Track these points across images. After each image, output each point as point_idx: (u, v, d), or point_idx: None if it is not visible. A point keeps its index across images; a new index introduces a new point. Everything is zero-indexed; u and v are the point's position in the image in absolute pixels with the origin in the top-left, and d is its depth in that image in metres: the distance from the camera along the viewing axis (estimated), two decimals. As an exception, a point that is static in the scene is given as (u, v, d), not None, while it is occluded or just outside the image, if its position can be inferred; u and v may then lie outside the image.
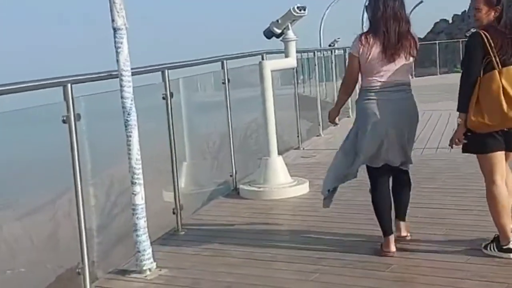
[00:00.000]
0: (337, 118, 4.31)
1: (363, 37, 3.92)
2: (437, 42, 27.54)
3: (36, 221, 5.13)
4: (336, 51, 12.43)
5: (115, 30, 3.84)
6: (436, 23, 52.49)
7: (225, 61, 5.96)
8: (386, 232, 4.07)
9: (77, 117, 3.65)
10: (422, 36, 48.25)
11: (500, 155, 3.85)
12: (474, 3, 3.84)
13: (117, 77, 3.90)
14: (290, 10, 5.90)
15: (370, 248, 4.14)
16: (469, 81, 3.75)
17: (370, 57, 3.91)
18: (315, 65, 10.20)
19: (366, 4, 4.18)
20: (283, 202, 5.68)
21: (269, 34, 6.09)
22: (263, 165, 6.03)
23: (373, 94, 3.95)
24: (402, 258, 3.97)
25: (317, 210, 5.29)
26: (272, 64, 6.11)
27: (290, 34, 6.11)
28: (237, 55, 6.42)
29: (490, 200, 3.93)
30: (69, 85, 3.58)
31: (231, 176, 6.11)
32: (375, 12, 3.94)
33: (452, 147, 4.04)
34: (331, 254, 4.15)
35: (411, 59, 3.99)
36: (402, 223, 4.28)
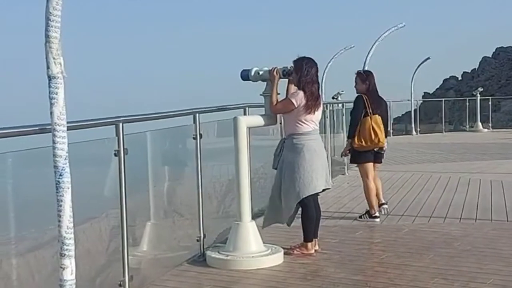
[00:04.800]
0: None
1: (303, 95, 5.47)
2: (443, 100, 26.99)
3: (39, 257, 4.57)
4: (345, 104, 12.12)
5: (50, 78, 3.36)
6: (445, 80, 52.40)
7: (197, 115, 5.47)
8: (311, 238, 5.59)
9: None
10: (431, 92, 48.12)
11: (370, 164, 7.03)
12: (356, 79, 7.14)
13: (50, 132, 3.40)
14: None
15: None
16: (355, 122, 6.94)
17: (303, 110, 5.44)
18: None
19: (292, 69, 5.54)
20: (252, 274, 5.09)
21: (245, 77, 5.65)
22: (233, 230, 5.46)
23: (307, 136, 5.51)
24: None
25: (288, 287, 4.73)
26: (248, 121, 5.61)
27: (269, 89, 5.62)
28: (212, 109, 5.92)
29: (366, 190, 7.04)
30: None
31: (197, 240, 5.53)
32: (303, 78, 5.47)
33: (342, 157, 7.94)
34: None
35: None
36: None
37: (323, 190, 5.68)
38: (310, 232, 5.57)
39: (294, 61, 5.56)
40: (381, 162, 7.33)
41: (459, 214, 7.29)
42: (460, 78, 52.19)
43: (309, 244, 5.56)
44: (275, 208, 5.64)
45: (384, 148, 7.09)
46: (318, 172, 5.46)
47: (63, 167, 3.39)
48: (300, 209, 5.60)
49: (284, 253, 5.49)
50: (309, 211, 5.53)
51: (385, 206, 7.15)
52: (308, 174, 5.41)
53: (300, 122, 5.45)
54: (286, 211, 5.53)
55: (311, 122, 5.49)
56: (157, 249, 5.48)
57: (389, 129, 7.51)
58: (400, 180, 10.18)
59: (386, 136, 7.06)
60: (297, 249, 5.58)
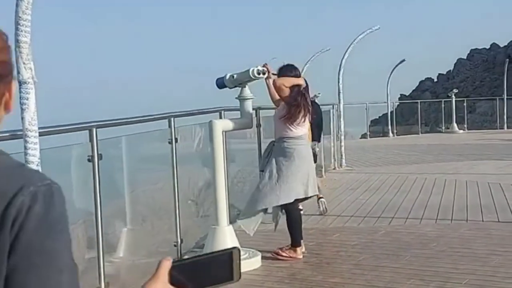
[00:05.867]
0: None
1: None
2: (419, 101, 27.27)
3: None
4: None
5: (20, 83, 3.33)
6: (421, 82, 52.96)
7: (172, 119, 5.44)
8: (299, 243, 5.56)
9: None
10: (407, 94, 48.49)
11: None
12: None
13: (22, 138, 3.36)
14: (249, 71, 5.47)
15: None
16: None
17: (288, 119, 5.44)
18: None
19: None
20: (229, 278, 5.06)
21: (221, 84, 5.63)
22: (210, 235, 5.44)
23: (298, 140, 5.50)
24: None
25: (264, 291, 4.71)
26: (224, 124, 5.59)
27: (246, 91, 5.62)
28: (187, 112, 5.90)
29: None
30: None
31: (175, 246, 5.50)
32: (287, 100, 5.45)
33: None
34: None
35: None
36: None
37: (311, 197, 5.71)
38: (297, 236, 5.56)
39: (279, 69, 5.57)
40: (315, 162, 8.31)
41: (435, 215, 7.35)
42: (435, 79, 52.82)
43: (298, 249, 5.55)
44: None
45: (316, 150, 7.63)
46: (304, 178, 5.46)
47: (35, 173, 3.35)
48: (281, 213, 5.59)
49: (270, 256, 5.50)
50: (293, 215, 5.53)
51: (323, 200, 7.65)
52: (293, 179, 5.40)
53: (291, 126, 5.45)
54: (254, 205, 5.48)
55: (303, 126, 5.52)
56: (134, 255, 5.44)
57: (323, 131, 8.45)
58: (377, 181, 10.23)
59: (318, 137, 7.72)
60: (286, 252, 5.54)
